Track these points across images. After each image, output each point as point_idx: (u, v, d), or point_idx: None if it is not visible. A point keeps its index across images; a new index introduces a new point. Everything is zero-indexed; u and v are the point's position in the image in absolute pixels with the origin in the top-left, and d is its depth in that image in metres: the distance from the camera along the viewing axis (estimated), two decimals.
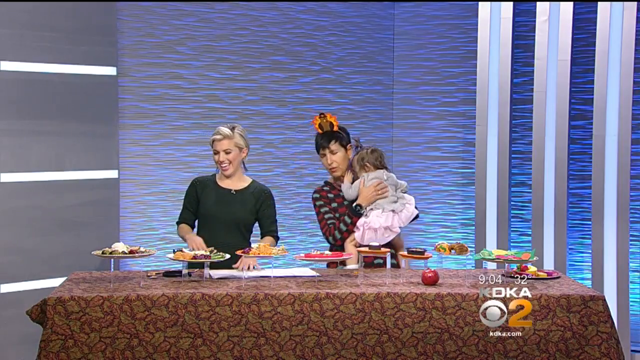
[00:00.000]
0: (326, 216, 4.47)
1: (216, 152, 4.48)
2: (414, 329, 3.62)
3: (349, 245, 4.39)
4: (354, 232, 4.39)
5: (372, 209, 4.39)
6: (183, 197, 4.59)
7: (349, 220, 4.39)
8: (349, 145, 4.53)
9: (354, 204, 4.40)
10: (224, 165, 4.48)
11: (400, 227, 4.39)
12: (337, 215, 4.46)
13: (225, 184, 4.54)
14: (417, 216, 4.47)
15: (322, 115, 4.52)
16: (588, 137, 5.83)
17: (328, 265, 4.39)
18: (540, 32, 5.81)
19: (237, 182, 4.55)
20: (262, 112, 6.19)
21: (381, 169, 4.47)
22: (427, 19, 6.45)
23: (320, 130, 4.53)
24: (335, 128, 4.50)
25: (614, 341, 3.64)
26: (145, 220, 5.87)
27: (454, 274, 4.13)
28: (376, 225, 4.33)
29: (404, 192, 4.48)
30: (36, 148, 5.22)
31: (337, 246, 4.42)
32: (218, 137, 4.46)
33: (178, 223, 4.56)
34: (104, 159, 5.52)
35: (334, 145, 4.50)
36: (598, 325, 3.64)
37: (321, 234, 4.52)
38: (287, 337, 3.58)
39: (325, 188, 4.56)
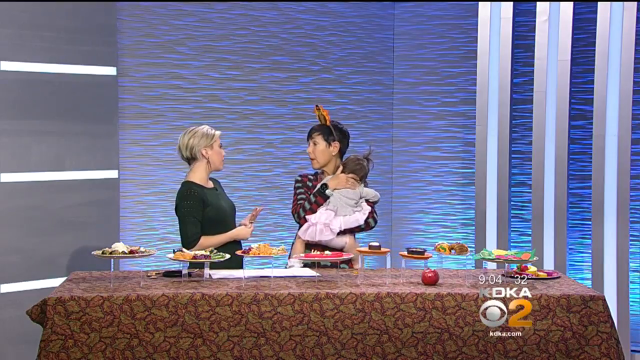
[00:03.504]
0: (299, 197, 4.57)
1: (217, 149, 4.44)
2: (414, 329, 3.62)
3: (297, 242, 4.49)
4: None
5: (332, 194, 4.45)
6: (183, 214, 4.30)
7: (313, 199, 4.50)
8: (334, 142, 4.58)
9: (322, 183, 4.51)
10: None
11: (339, 229, 4.41)
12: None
13: (205, 183, 4.42)
14: (366, 226, 4.49)
15: (317, 107, 4.64)
16: (588, 137, 5.83)
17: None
18: (540, 32, 5.81)
19: (208, 180, 4.48)
20: (262, 112, 6.19)
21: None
22: (427, 19, 6.45)
23: (320, 121, 4.66)
24: (328, 123, 4.60)
25: (614, 341, 3.64)
26: (145, 220, 5.87)
27: (454, 274, 4.13)
28: (314, 220, 4.42)
29: (374, 202, 4.55)
30: (36, 148, 5.22)
31: (301, 225, 4.49)
32: (220, 132, 4.47)
33: (195, 240, 4.26)
34: (104, 159, 5.51)
35: (317, 137, 4.60)
36: (598, 325, 3.64)
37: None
38: (287, 337, 3.58)
39: (309, 176, 4.66)
